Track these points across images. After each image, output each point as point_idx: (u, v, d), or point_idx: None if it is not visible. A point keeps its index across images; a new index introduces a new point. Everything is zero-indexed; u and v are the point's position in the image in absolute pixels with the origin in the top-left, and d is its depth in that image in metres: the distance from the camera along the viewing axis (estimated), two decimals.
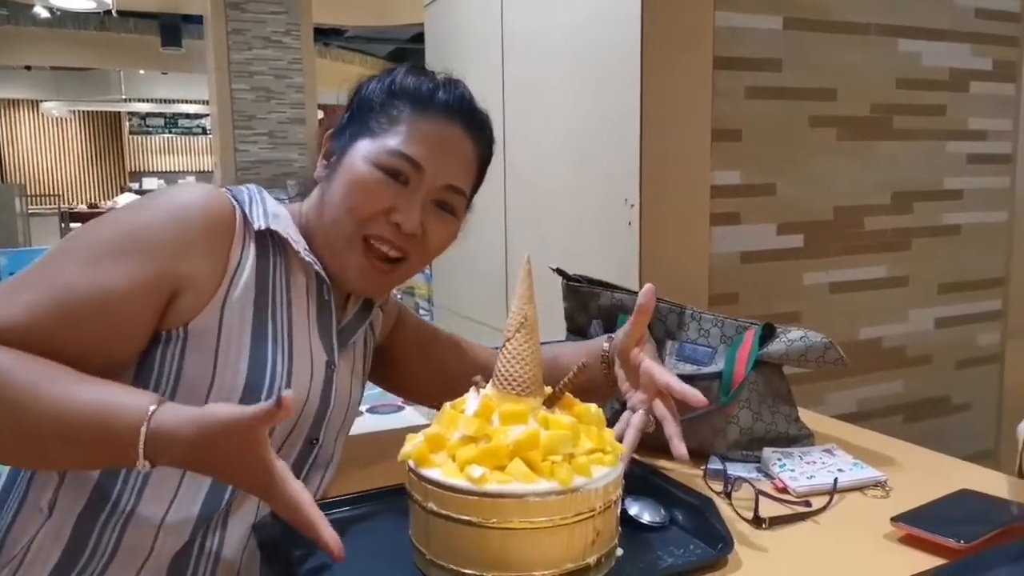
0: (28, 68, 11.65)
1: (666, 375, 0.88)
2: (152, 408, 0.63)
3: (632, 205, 1.52)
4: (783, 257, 1.71)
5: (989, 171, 1.97)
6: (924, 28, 1.83)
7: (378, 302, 0.97)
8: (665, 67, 1.51)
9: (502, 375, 0.74)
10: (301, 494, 0.64)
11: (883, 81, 1.80)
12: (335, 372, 0.88)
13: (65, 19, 8.67)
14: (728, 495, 0.89)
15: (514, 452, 0.67)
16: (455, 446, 0.70)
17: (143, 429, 0.62)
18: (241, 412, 0.62)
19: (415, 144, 0.83)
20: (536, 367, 0.75)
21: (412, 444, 0.72)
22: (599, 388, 1.00)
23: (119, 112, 12.87)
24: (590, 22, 1.69)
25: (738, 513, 0.85)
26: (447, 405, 0.76)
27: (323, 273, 0.85)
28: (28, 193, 9.46)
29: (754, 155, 1.65)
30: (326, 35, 8.97)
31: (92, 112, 12.82)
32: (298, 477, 0.82)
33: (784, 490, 0.91)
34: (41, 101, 12.39)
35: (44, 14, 8.24)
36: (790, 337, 1.02)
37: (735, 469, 0.95)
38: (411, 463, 0.71)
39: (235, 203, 0.81)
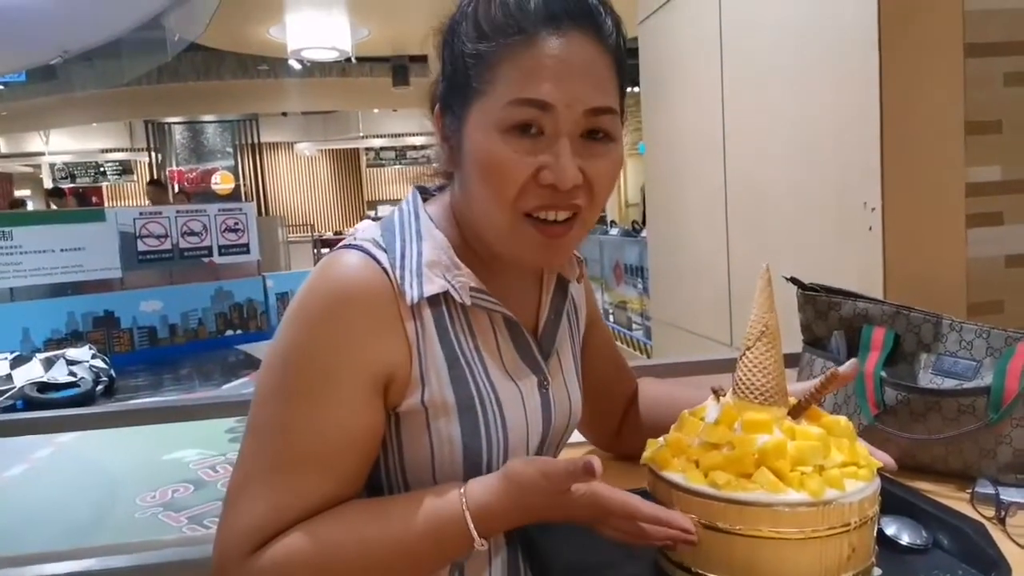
0: (284, 114, 13.35)
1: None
2: (461, 492, 0.69)
3: (873, 209, 1.42)
4: None
5: None
6: None
7: (571, 278, 0.89)
8: (907, 57, 1.40)
9: (743, 384, 0.74)
10: (628, 497, 0.67)
11: None
12: (549, 387, 0.83)
13: (313, 69, 9.82)
14: (1001, 520, 0.81)
15: (760, 461, 0.67)
16: (696, 452, 0.71)
17: (467, 515, 0.68)
18: (545, 475, 0.67)
19: (531, 81, 0.68)
20: (779, 376, 0.73)
21: (653, 449, 0.74)
22: None
23: (357, 148, 14.31)
24: (819, 11, 1.61)
25: (1014, 540, 0.77)
26: (686, 412, 0.77)
27: (501, 309, 0.78)
28: (287, 224, 10.81)
29: (1018, 148, 1.47)
30: None
31: (335, 149, 14.37)
32: None
33: None
34: (295, 143, 14.12)
35: (296, 66, 9.39)
36: None
37: (1009, 494, 0.86)
38: (653, 466, 0.73)
39: (388, 271, 0.73)
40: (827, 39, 1.57)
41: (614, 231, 9.39)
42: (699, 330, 2.46)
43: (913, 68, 1.41)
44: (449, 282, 0.75)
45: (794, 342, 1.20)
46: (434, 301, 0.75)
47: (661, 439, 0.75)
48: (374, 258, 0.73)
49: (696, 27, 2.25)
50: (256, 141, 13.80)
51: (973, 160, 1.44)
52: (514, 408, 0.79)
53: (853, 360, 0.79)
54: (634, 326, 6.78)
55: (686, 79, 2.35)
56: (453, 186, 0.80)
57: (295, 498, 0.70)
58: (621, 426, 1.05)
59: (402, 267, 0.74)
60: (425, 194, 0.84)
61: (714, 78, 2.13)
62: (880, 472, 0.71)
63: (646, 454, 0.74)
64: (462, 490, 0.70)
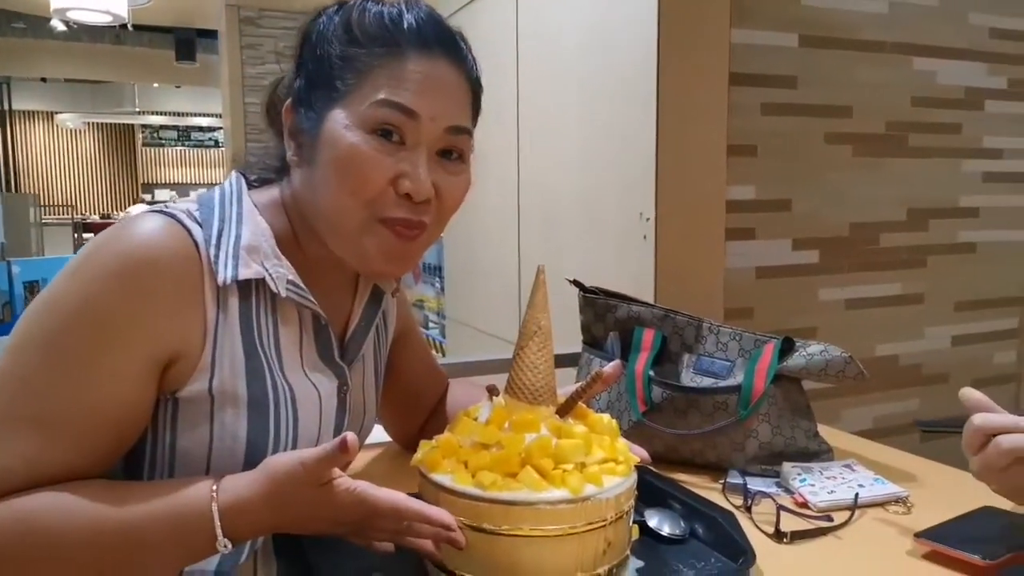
0: (44, 80, 11.78)
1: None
2: (213, 486, 0.63)
3: (647, 219, 1.52)
4: (798, 273, 1.71)
5: (1006, 189, 1.97)
6: (939, 47, 1.83)
7: (388, 291, 0.88)
8: (681, 82, 1.52)
9: (515, 383, 0.74)
10: (393, 495, 0.65)
11: (898, 99, 1.81)
12: (348, 392, 0.82)
13: (81, 32, 8.76)
14: (748, 509, 0.89)
15: (526, 460, 0.67)
16: (467, 452, 0.70)
17: (214, 507, 0.62)
18: (302, 462, 0.62)
19: (400, 87, 0.70)
20: (549, 376, 0.75)
21: (424, 450, 0.72)
22: None
23: (132, 124, 12.99)
24: (604, 37, 1.70)
25: (759, 527, 0.85)
26: (461, 412, 0.76)
27: (313, 306, 0.76)
28: (42, 203, 9.55)
29: (769, 171, 1.65)
30: None
31: (106, 124, 12.93)
32: None
33: (804, 505, 0.91)
34: (56, 113, 12.51)
35: (60, 27, 8.34)
36: (810, 351, 1.02)
37: (755, 483, 0.95)
38: (423, 468, 0.71)
39: (199, 245, 0.69)
40: (612, 60, 1.66)
41: None
42: (490, 329, 2.50)
43: (686, 93, 1.52)
44: (267, 270, 0.72)
45: (576, 342, 1.25)
46: (243, 288, 0.72)
47: (434, 440, 0.73)
48: (187, 229, 0.69)
49: (494, 32, 2.29)
50: (7, 108, 12.05)
51: (732, 180, 1.59)
52: (309, 409, 0.77)
53: (617, 361, 0.83)
54: (431, 324, 6.81)
55: (484, 82, 2.38)
56: (287, 181, 0.78)
57: (20, 463, 0.62)
58: (425, 424, 1.05)
59: (217, 245, 0.70)
60: (246, 181, 0.79)
61: (510, 86, 2.18)
62: (642, 466, 0.75)
63: (416, 456, 0.72)
64: (215, 484, 0.64)
